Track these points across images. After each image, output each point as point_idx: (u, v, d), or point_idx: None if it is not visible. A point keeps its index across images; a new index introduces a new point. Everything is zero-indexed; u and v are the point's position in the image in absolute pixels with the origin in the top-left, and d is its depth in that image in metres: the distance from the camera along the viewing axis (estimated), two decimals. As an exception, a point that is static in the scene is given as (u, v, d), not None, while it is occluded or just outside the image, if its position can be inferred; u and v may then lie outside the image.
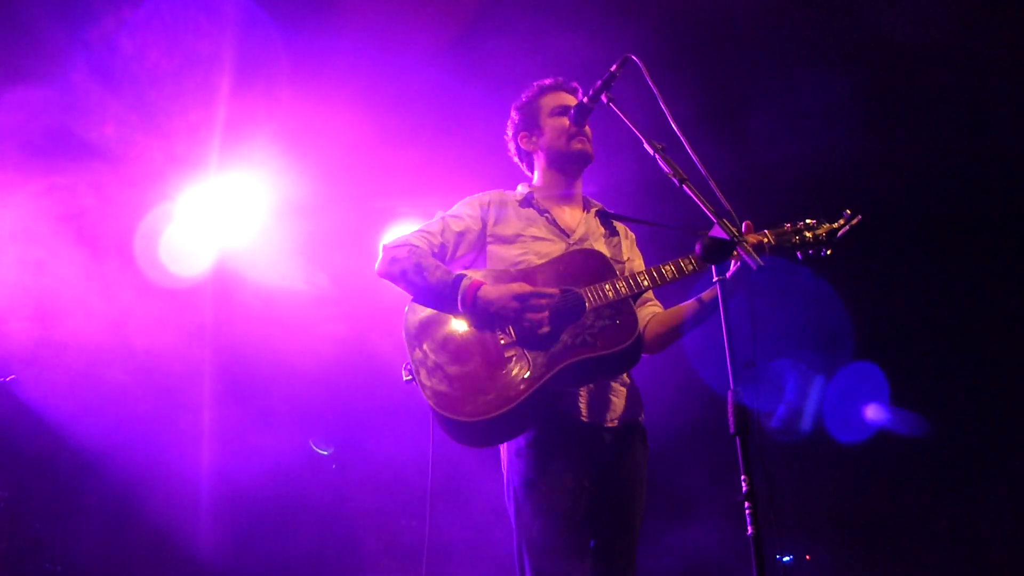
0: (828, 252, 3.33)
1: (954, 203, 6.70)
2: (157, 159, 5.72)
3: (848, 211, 3.35)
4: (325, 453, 6.42)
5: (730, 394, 2.52)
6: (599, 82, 3.27)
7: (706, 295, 3.33)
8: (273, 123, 5.79)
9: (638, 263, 3.64)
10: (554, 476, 3.18)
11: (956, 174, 6.52)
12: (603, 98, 3.26)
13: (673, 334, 3.45)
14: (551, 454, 3.20)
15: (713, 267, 2.75)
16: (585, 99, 3.37)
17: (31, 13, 5.13)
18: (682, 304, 3.45)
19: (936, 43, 5.68)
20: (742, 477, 2.45)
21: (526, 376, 3.11)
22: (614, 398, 3.36)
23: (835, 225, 3.34)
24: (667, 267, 3.28)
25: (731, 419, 2.50)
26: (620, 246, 3.60)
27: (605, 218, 3.63)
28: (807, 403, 6.97)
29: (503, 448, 3.35)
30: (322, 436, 6.42)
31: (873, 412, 7.00)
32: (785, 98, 5.98)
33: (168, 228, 5.92)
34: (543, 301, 3.19)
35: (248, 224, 6.11)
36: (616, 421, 3.34)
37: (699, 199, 2.82)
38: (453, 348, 3.20)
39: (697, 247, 2.76)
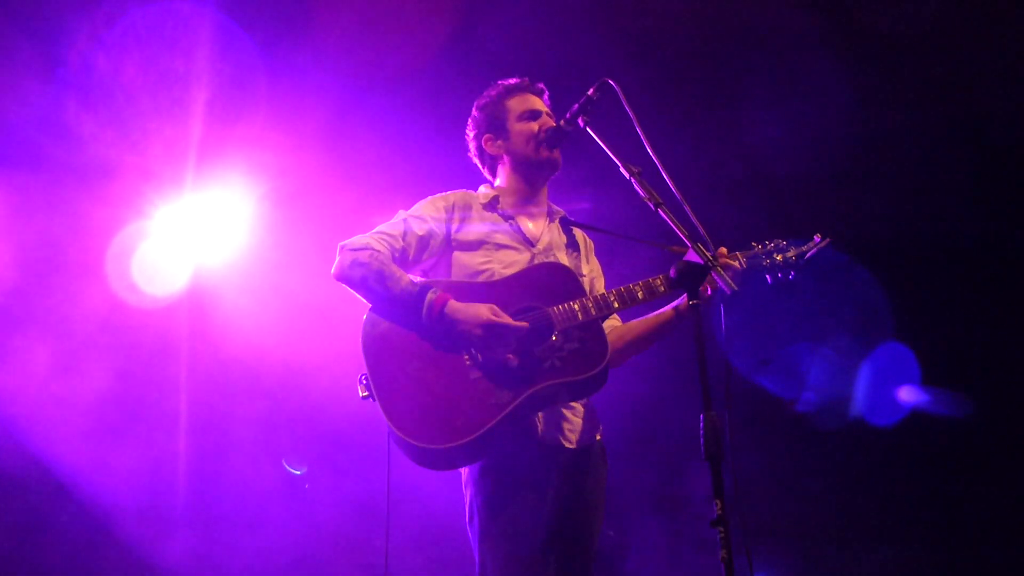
0: (793, 276, 3.34)
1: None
2: (132, 176, 5.67)
3: (818, 235, 3.36)
4: (298, 473, 6.37)
5: (702, 418, 2.52)
6: (576, 105, 3.28)
7: (681, 306, 3.26)
8: (250, 141, 5.77)
9: (597, 273, 3.58)
10: (518, 499, 3.10)
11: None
12: (580, 122, 3.27)
13: (635, 349, 3.41)
14: (514, 476, 3.12)
15: (687, 291, 2.77)
16: (562, 122, 3.38)
17: (1, 30, 5.09)
18: (645, 317, 3.39)
19: (930, 35, 5.65)
20: (715, 502, 2.45)
21: (492, 402, 3.01)
22: (574, 418, 3.30)
23: (803, 248, 3.33)
24: (638, 288, 3.21)
25: (703, 443, 2.50)
26: (579, 258, 3.52)
27: (567, 226, 3.54)
28: (839, 387, 6.76)
29: (465, 468, 3.26)
30: (295, 456, 6.37)
31: (906, 393, 6.61)
32: (780, 90, 5.91)
33: (142, 246, 5.87)
34: (510, 335, 3.07)
35: (224, 242, 6.07)
36: (576, 442, 3.29)
37: (674, 223, 2.84)
38: (415, 367, 3.08)
39: (671, 271, 2.78)
